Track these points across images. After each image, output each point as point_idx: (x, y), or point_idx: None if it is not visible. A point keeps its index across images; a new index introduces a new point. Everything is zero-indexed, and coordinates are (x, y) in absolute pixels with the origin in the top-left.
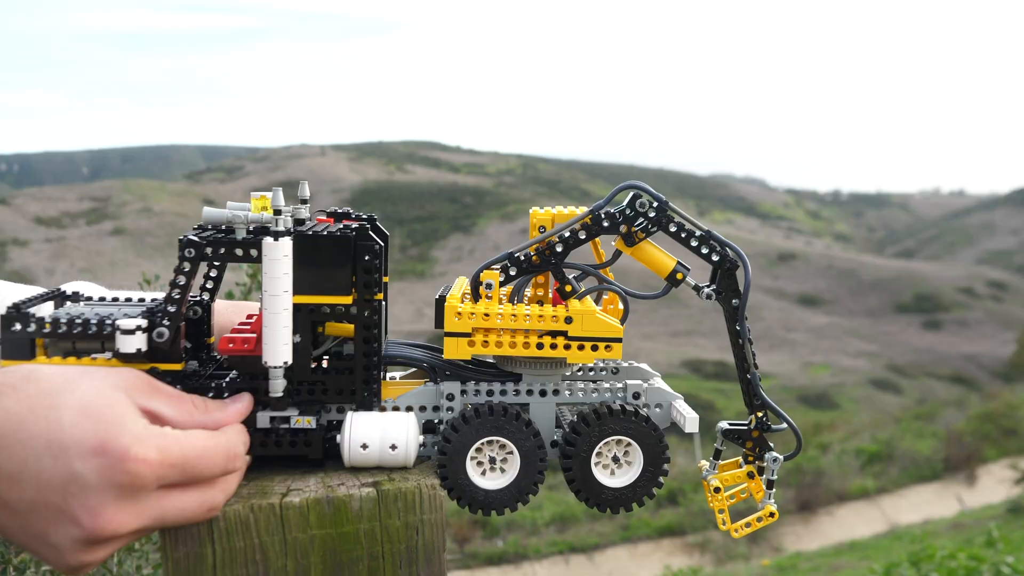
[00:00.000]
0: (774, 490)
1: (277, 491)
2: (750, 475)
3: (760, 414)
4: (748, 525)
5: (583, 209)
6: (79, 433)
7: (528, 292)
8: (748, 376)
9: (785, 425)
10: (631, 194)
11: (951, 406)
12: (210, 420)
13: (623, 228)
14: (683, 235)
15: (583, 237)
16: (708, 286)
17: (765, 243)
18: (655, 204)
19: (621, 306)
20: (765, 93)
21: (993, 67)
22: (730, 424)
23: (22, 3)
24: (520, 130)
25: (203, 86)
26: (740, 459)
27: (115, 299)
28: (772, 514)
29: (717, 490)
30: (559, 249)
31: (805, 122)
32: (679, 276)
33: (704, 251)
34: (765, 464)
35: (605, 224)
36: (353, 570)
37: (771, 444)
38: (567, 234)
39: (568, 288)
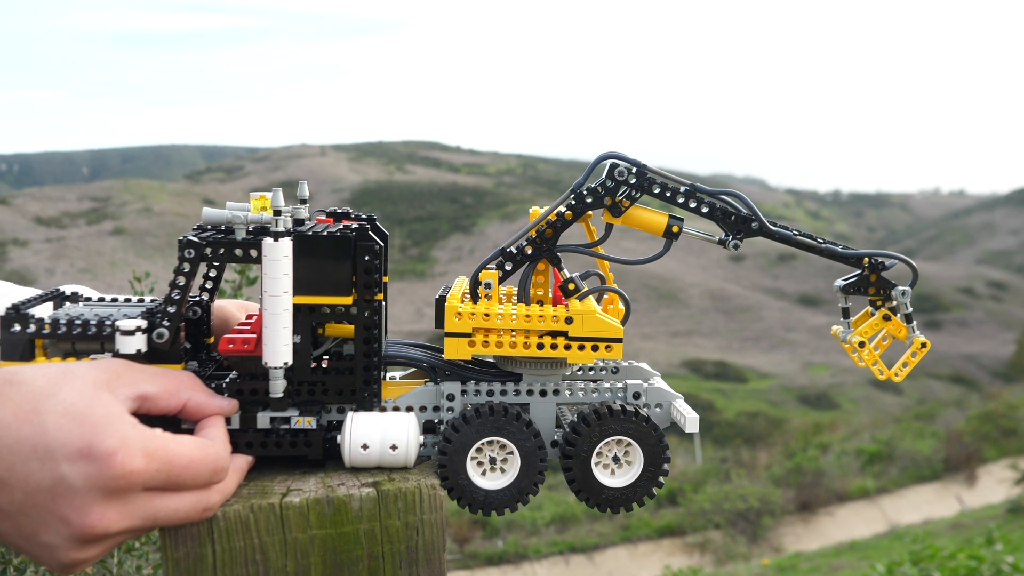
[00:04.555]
0: (915, 322)
1: (277, 491)
2: (886, 318)
3: (866, 261)
4: (905, 365)
5: None
6: (64, 436)
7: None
8: (825, 249)
9: (895, 260)
10: (608, 164)
11: (951, 406)
12: (193, 400)
13: (607, 200)
14: (668, 194)
15: (570, 218)
16: (725, 238)
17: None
18: (634, 169)
19: (622, 306)
20: (765, 93)
21: (993, 67)
22: (844, 280)
23: (22, 3)
24: (520, 130)
25: (203, 86)
26: (869, 308)
27: (114, 299)
28: (924, 344)
29: (862, 344)
30: (549, 235)
31: (805, 122)
32: (675, 229)
33: (692, 205)
34: (895, 302)
35: (589, 200)
36: (353, 570)
37: (892, 281)
38: (554, 217)
39: (571, 286)
